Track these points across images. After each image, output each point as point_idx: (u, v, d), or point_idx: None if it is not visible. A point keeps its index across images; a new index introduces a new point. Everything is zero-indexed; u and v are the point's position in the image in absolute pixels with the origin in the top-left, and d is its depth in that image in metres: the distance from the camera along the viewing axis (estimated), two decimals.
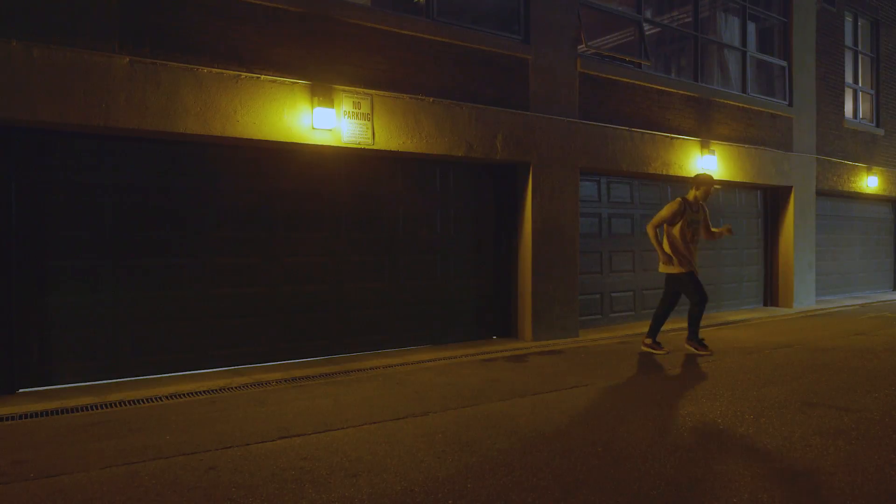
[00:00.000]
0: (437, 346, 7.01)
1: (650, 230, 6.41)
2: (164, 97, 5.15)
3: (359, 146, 6.09)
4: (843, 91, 11.99)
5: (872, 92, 12.88)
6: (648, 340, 6.68)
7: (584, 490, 3.01)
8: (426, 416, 4.30)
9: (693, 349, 6.51)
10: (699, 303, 6.40)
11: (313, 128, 5.81)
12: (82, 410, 4.49)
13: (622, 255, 8.82)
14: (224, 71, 5.42)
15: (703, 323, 8.83)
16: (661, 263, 6.48)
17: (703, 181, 6.53)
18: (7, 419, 4.28)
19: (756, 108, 10.06)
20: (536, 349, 6.89)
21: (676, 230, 6.37)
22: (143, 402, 4.70)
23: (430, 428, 4.03)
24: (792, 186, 10.67)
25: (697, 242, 6.53)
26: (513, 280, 7.56)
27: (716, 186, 6.65)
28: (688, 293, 6.45)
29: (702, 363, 6.07)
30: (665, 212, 6.41)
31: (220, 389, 5.07)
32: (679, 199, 6.44)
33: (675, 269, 6.39)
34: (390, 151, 6.35)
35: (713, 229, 6.68)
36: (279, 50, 5.72)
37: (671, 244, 6.39)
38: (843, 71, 11.98)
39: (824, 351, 6.70)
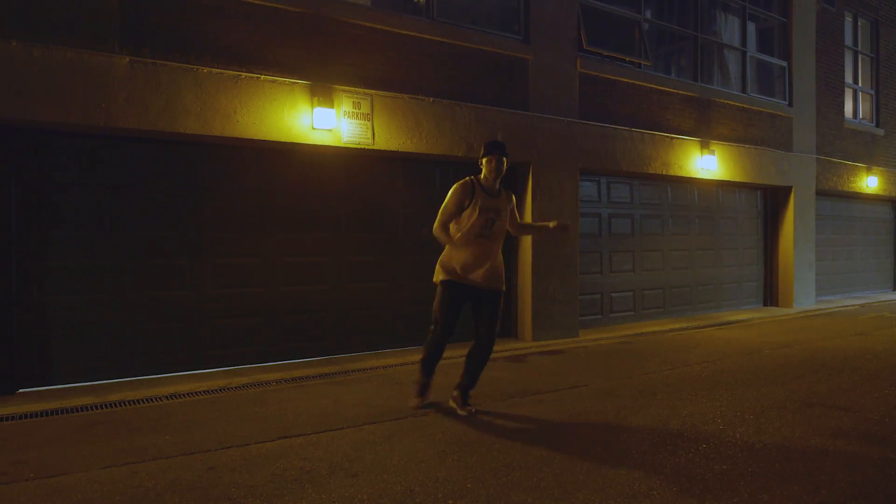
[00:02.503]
0: None
1: (441, 234, 4.37)
2: (164, 97, 5.15)
3: (359, 146, 6.08)
4: (843, 91, 11.99)
5: (872, 92, 12.88)
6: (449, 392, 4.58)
7: (584, 490, 3.01)
8: (426, 416, 4.30)
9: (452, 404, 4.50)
10: (433, 330, 4.42)
11: (313, 128, 5.81)
12: (82, 410, 4.49)
13: (622, 255, 8.82)
14: (224, 71, 5.42)
15: (702, 323, 8.82)
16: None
17: (488, 149, 4.42)
18: (7, 419, 4.28)
19: (756, 108, 10.06)
20: (536, 349, 6.89)
21: (463, 220, 4.35)
22: (143, 402, 4.70)
23: (430, 428, 4.03)
24: (792, 186, 10.67)
25: (490, 238, 4.37)
26: (513, 280, 7.55)
27: (505, 158, 4.46)
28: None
29: (702, 364, 6.07)
30: (448, 200, 4.37)
31: (219, 389, 5.07)
32: (468, 178, 4.42)
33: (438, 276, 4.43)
34: (390, 151, 6.35)
35: (536, 223, 5.22)
36: (279, 50, 5.71)
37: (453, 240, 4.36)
38: (843, 71, 11.98)
39: (824, 351, 6.70)
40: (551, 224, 4.56)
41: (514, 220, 4.66)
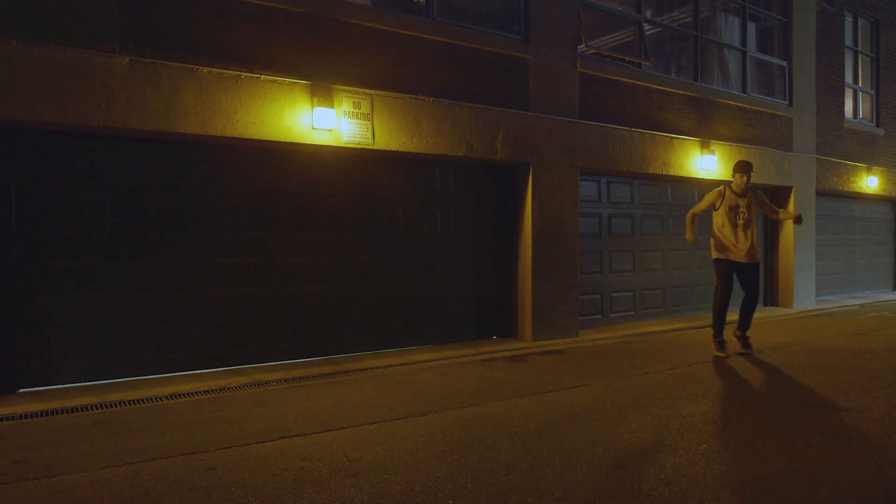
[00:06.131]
0: (437, 346, 7.01)
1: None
2: (164, 97, 5.15)
3: (359, 146, 6.08)
4: (843, 91, 11.99)
5: (872, 92, 12.87)
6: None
7: (584, 490, 3.01)
8: (426, 416, 4.30)
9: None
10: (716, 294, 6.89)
11: (313, 128, 5.81)
12: (82, 410, 4.49)
13: (622, 255, 8.82)
14: (224, 71, 5.42)
15: (702, 323, 8.85)
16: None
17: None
18: (7, 419, 4.27)
19: (756, 108, 10.06)
20: (536, 349, 6.89)
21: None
22: (143, 402, 4.70)
23: (430, 428, 4.03)
24: (792, 186, 10.67)
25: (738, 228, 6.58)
26: (513, 280, 7.56)
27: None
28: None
29: (702, 364, 6.07)
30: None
31: (219, 389, 5.07)
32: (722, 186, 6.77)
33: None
34: (390, 151, 6.35)
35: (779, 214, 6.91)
36: (279, 50, 5.71)
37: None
38: (843, 71, 11.98)
39: (824, 351, 6.70)
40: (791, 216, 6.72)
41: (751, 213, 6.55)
